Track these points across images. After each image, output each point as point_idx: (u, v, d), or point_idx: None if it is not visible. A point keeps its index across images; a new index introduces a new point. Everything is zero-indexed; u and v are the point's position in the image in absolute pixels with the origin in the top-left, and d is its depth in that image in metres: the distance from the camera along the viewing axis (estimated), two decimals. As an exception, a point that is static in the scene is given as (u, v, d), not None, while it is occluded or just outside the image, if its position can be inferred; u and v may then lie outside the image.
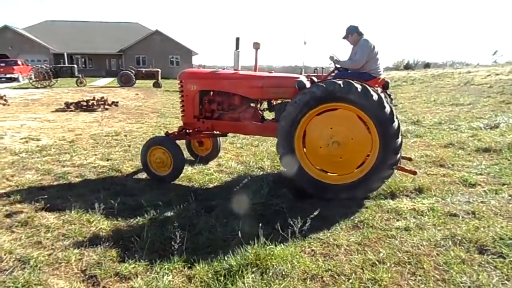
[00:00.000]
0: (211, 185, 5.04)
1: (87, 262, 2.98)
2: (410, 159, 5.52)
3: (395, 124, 4.19)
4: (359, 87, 4.21)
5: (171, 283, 2.70)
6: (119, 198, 4.32)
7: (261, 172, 5.66)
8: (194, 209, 4.06)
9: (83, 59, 47.13)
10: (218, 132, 5.82)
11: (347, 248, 3.26)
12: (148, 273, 2.84)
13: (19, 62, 32.33)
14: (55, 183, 5.02)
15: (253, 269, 2.79)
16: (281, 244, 3.21)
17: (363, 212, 4.01)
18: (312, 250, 3.23)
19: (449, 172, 5.40)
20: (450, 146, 7.01)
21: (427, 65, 53.03)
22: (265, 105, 5.60)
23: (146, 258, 3.03)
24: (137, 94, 20.34)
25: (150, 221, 3.75)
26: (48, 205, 4.12)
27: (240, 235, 3.19)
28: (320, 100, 4.34)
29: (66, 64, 31.92)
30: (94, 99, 13.40)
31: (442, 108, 12.86)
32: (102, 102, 13.50)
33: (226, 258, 2.97)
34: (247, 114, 5.34)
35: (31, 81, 24.08)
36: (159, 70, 28.74)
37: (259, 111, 5.43)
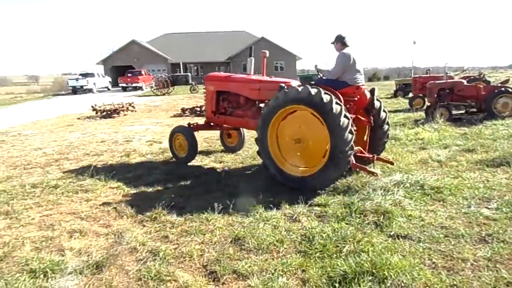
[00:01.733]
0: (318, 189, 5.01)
1: (208, 258, 3.20)
2: (392, 163, 5.75)
3: (343, 122, 4.63)
4: (313, 91, 4.77)
5: (286, 285, 2.75)
6: (233, 198, 4.57)
7: (370, 178, 5.44)
8: (305, 213, 4.09)
9: (195, 68, 50.82)
10: (228, 126, 6.99)
11: (474, 263, 2.96)
12: (263, 273, 2.93)
13: (143, 72, 36.12)
14: (177, 182, 5.48)
15: (369, 278, 2.70)
16: (398, 254, 3.05)
17: (491, 225, 3.60)
18: (433, 262, 3.00)
19: None
20: None
21: None
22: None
23: (261, 257, 3.14)
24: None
25: (263, 221, 3.87)
26: (172, 203, 4.54)
27: (353, 242, 3.12)
28: (284, 103, 5.02)
29: (182, 73, 34.78)
30: (206, 104, 14.31)
31: None
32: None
33: (339, 264, 2.92)
34: (250, 112, 6.31)
35: (152, 89, 26.77)
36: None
37: (261, 110, 5.79)
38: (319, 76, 5.77)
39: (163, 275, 2.92)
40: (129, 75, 35.01)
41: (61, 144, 8.82)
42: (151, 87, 27.35)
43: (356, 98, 5.50)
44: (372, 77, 66.57)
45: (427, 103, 12.13)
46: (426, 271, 2.85)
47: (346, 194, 4.60)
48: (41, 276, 2.95)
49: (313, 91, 4.78)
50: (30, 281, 2.87)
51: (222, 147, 7.73)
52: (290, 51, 48.25)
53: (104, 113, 14.34)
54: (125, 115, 14.70)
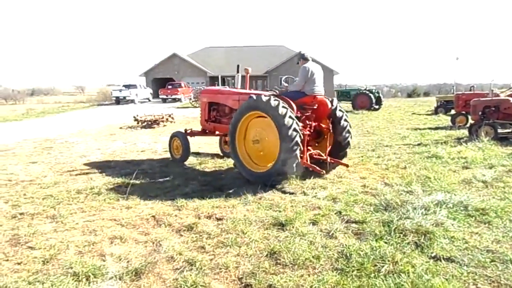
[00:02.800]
0: (355, 206, 4.92)
1: (243, 270, 3.20)
2: (347, 166, 6.66)
3: (288, 121, 5.48)
4: (265, 99, 5.73)
5: (323, 302, 2.71)
6: (268, 211, 4.58)
7: (410, 197, 5.28)
8: (341, 230, 4.02)
9: (233, 81, 51.55)
10: (220, 133, 7.90)
11: (526, 292, 2.80)
12: (299, 288, 2.90)
13: (182, 85, 37.09)
14: (213, 193, 5.54)
15: (410, 301, 2.61)
16: (440, 277, 2.93)
17: (543, 251, 3.39)
18: (478, 288, 2.86)
19: None
20: None
21: None
22: None
23: (297, 273, 3.11)
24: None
25: (299, 236, 3.84)
26: (208, 213, 4.61)
27: (392, 262, 3.03)
28: (246, 110, 6.04)
29: (220, 86, 35.41)
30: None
31: None
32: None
33: (378, 285, 2.84)
34: None
35: (191, 101, 27.42)
36: (301, 89, 29.67)
37: None
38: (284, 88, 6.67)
39: (199, 286, 2.95)
40: (169, 87, 36.09)
41: (104, 152, 9.17)
42: (190, 99, 27.99)
43: (315, 107, 6.43)
44: (412, 93, 64.87)
45: (471, 121, 11.67)
46: (470, 296, 2.72)
47: (385, 212, 4.49)
48: (84, 279, 3.06)
49: (265, 99, 5.75)
50: (73, 283, 2.99)
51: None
52: (328, 66, 48.01)
53: (145, 123, 14.81)
54: (164, 125, 15.11)
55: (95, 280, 3.06)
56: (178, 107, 26.72)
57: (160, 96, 35.57)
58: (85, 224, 4.32)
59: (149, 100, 37.70)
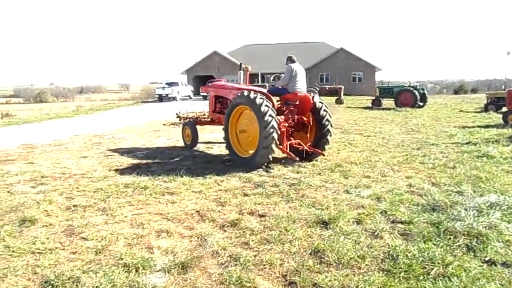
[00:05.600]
0: (401, 206, 4.78)
1: (287, 268, 3.21)
2: (323, 154, 7.52)
3: (267, 119, 6.48)
4: (251, 94, 6.78)
5: (369, 303, 2.66)
6: (311, 209, 4.55)
7: (460, 197, 5.06)
8: (387, 230, 3.93)
9: (272, 78, 51.53)
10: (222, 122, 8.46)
11: None
12: (345, 288, 2.86)
13: (222, 82, 37.48)
14: (255, 190, 5.58)
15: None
16: (496, 282, 2.79)
17: None
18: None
19: None
20: None
21: None
22: None
23: (341, 272, 3.08)
24: (321, 109, 21.02)
25: (343, 235, 3.79)
26: (250, 210, 4.65)
27: (442, 265, 2.93)
28: (237, 104, 7.18)
29: (259, 83, 35.52)
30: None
31: None
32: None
33: (427, 287, 2.76)
34: None
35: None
36: (342, 86, 29.18)
37: None
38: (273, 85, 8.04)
39: (244, 281, 2.98)
40: (209, 84, 36.59)
41: (149, 148, 9.47)
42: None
43: (297, 102, 7.33)
44: (458, 89, 62.06)
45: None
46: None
47: (433, 213, 4.34)
48: (133, 271, 3.18)
49: (251, 95, 6.76)
50: (124, 274, 3.11)
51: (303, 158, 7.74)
52: (369, 62, 46.85)
53: (187, 120, 15.11)
54: (205, 122, 15.34)
55: (143, 271, 3.17)
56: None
57: (201, 93, 36.14)
58: (133, 217, 4.48)
59: (190, 97, 38.44)
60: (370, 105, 24.44)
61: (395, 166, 6.97)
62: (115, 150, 9.13)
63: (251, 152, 6.99)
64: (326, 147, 7.62)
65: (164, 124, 15.13)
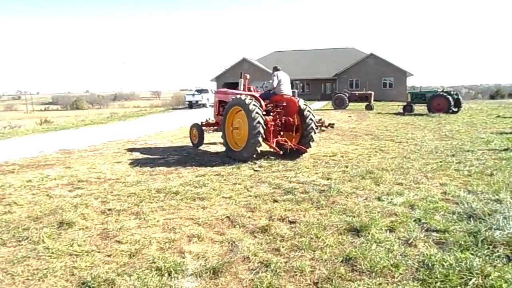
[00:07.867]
0: (436, 214, 4.64)
1: (319, 275, 3.18)
2: (305, 151, 8.70)
3: (254, 116, 7.75)
4: (242, 97, 8.13)
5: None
6: (342, 216, 4.50)
7: (499, 206, 4.86)
8: (421, 239, 3.82)
9: (301, 84, 51.40)
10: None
11: None
12: (378, 297, 2.81)
13: (251, 89, 37.70)
14: (284, 196, 5.57)
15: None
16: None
17: None
18: None
19: None
20: None
21: None
22: None
23: (374, 281, 3.02)
24: (350, 116, 20.80)
25: (376, 243, 3.72)
26: (280, 216, 4.64)
27: (481, 275, 2.82)
28: (231, 105, 8.49)
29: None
30: (312, 121, 14.42)
31: None
32: (320, 124, 14.33)
33: (465, 299, 2.67)
34: None
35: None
36: (372, 92, 28.72)
37: None
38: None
39: (275, 287, 2.98)
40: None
41: (179, 154, 9.63)
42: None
43: (284, 104, 8.66)
44: (495, 94, 59.87)
45: None
46: None
47: (470, 221, 4.19)
48: (166, 274, 3.23)
49: (242, 97, 8.12)
50: (157, 278, 3.17)
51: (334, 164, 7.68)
52: (400, 67, 45.95)
53: (216, 126, 15.27)
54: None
55: (176, 275, 3.23)
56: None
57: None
58: (165, 222, 4.57)
59: (220, 104, 38.82)
60: (401, 111, 23.91)
61: (428, 173, 6.78)
62: (147, 156, 9.34)
63: (240, 146, 8.35)
64: (312, 143, 8.83)
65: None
